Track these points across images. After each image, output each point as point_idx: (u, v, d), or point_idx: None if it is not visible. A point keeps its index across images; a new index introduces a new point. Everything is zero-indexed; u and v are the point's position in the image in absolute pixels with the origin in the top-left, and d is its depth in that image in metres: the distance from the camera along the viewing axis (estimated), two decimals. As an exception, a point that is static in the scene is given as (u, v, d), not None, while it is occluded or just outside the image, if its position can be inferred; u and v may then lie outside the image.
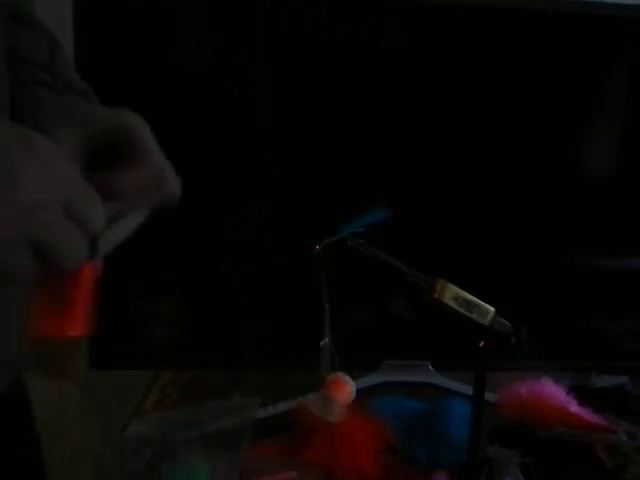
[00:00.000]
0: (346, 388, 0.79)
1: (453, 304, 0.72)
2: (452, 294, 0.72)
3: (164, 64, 0.89)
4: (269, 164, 0.93)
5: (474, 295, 0.73)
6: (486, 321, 0.73)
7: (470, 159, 0.96)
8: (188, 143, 0.91)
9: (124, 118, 0.55)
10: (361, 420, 0.84)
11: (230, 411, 0.88)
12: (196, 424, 0.87)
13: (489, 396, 0.82)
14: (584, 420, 0.87)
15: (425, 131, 0.95)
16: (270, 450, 0.85)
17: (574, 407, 0.88)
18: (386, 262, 0.72)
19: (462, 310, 0.72)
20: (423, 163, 0.96)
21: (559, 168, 0.98)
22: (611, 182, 0.99)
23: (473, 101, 0.94)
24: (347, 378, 0.80)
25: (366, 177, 0.94)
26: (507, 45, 0.93)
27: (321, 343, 0.74)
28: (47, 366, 0.59)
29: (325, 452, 0.82)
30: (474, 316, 0.72)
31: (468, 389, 0.84)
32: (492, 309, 0.73)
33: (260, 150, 0.92)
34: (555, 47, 0.93)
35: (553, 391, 0.90)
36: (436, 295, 0.71)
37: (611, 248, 1.02)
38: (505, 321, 0.74)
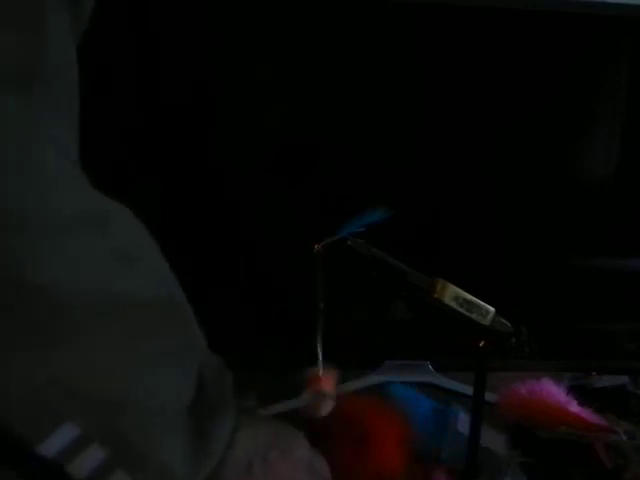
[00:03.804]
0: (332, 380, 0.77)
1: (453, 304, 0.72)
2: (452, 294, 0.72)
3: (166, 61, 0.89)
4: (269, 164, 0.93)
5: (474, 295, 0.73)
6: (486, 321, 0.73)
7: (470, 159, 0.96)
8: (187, 143, 0.91)
9: None
10: (384, 415, 0.81)
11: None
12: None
13: (489, 396, 0.82)
14: (584, 420, 0.87)
15: (426, 131, 0.95)
16: None
17: (574, 407, 0.88)
18: (386, 262, 0.72)
19: (462, 310, 0.72)
20: (424, 163, 0.96)
21: (559, 168, 0.98)
22: (611, 182, 1.00)
23: (473, 101, 0.94)
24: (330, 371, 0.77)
25: (366, 177, 0.94)
26: (507, 45, 0.93)
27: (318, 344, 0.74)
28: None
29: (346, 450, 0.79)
30: (474, 316, 0.72)
31: (468, 389, 0.84)
32: (492, 309, 0.73)
33: (260, 150, 0.93)
34: (555, 47, 0.93)
35: (553, 391, 0.90)
36: (436, 295, 0.71)
37: (611, 248, 1.02)
38: (505, 321, 0.74)
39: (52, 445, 0.44)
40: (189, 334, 0.54)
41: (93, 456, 0.46)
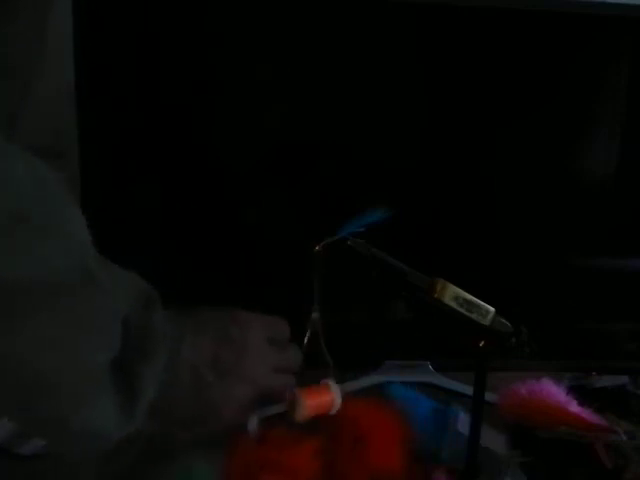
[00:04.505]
0: (323, 396, 0.76)
1: (453, 304, 0.72)
2: (452, 294, 0.72)
3: (166, 62, 0.89)
4: (269, 164, 0.93)
5: (474, 295, 0.73)
6: (486, 321, 0.73)
7: (470, 159, 0.96)
8: (187, 143, 0.91)
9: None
10: (383, 415, 0.81)
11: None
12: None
13: (489, 396, 0.82)
14: (584, 420, 0.87)
15: (426, 131, 0.95)
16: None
17: (574, 407, 0.88)
18: (386, 262, 0.72)
19: (462, 310, 0.72)
20: (424, 163, 0.96)
21: (559, 168, 0.98)
22: (611, 182, 1.00)
23: (473, 101, 0.94)
24: (332, 385, 0.76)
25: (366, 177, 0.94)
26: (507, 45, 0.93)
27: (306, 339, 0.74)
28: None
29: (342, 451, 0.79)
30: (474, 316, 0.72)
31: (468, 389, 0.84)
32: (492, 309, 0.73)
33: (260, 150, 0.93)
34: (555, 47, 0.93)
35: (553, 391, 0.90)
36: (436, 295, 0.71)
37: (611, 248, 1.02)
38: (505, 321, 0.74)
39: None
40: (111, 297, 0.53)
41: (3, 429, 0.47)
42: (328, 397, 0.74)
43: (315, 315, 0.74)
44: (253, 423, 0.71)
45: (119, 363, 0.52)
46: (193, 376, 0.59)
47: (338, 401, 0.75)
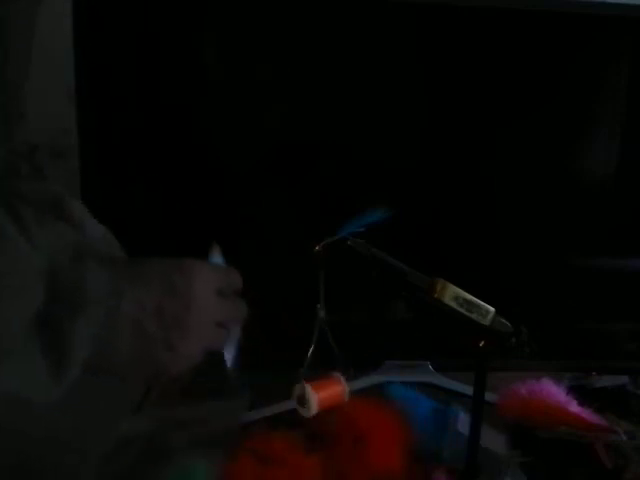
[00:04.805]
0: (336, 387, 0.76)
1: (453, 304, 0.72)
2: (452, 294, 0.72)
3: (166, 62, 0.89)
4: (270, 164, 0.93)
5: (474, 295, 0.73)
6: (486, 321, 0.73)
7: (470, 159, 0.96)
8: (189, 143, 0.91)
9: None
10: (383, 415, 0.81)
11: (220, 412, 0.87)
12: (191, 424, 0.85)
13: (490, 396, 0.82)
14: (584, 420, 0.87)
15: (426, 131, 0.95)
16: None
17: (574, 407, 0.88)
18: (386, 262, 0.72)
19: (462, 310, 0.72)
20: (424, 163, 0.96)
21: (559, 168, 0.98)
22: (611, 182, 1.00)
23: (473, 101, 0.94)
24: (340, 378, 0.77)
25: (366, 177, 0.94)
26: (507, 45, 0.93)
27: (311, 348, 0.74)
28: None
29: (343, 452, 0.79)
30: (474, 316, 0.72)
31: (468, 389, 0.84)
32: (492, 309, 0.73)
33: (261, 150, 0.93)
34: (555, 47, 0.93)
35: (553, 391, 0.90)
36: (436, 295, 0.71)
37: (611, 248, 1.02)
38: (505, 321, 0.74)
39: None
40: (27, 250, 0.50)
41: None
42: (338, 388, 0.74)
43: (321, 314, 0.74)
44: (229, 356, 0.70)
45: (45, 321, 0.50)
46: (135, 331, 0.56)
47: (347, 390, 0.75)
